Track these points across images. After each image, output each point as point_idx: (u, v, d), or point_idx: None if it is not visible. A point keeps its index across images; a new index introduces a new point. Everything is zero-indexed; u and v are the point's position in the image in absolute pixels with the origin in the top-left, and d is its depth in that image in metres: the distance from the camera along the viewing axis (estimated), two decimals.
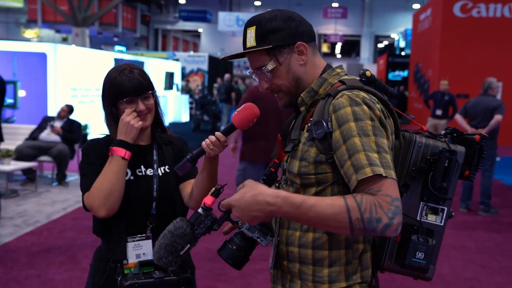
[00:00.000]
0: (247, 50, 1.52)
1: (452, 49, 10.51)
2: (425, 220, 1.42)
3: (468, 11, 10.53)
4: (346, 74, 1.53)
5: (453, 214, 1.45)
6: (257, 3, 33.67)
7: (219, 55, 30.23)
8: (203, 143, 1.68)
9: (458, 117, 6.77)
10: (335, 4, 29.91)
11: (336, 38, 30.75)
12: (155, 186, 1.85)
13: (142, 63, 14.75)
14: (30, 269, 4.24)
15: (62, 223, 5.64)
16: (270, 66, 1.49)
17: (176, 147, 1.98)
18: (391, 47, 36.00)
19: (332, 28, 32.10)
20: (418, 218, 1.42)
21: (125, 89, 1.79)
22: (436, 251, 1.43)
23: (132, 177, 1.85)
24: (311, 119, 1.44)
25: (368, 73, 1.46)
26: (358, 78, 1.48)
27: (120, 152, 1.76)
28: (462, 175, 1.47)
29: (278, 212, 1.32)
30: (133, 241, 1.82)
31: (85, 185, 1.79)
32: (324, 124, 1.37)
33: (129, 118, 1.78)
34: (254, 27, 1.50)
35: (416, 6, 28.99)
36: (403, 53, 26.09)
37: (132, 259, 1.80)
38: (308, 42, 1.51)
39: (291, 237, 1.48)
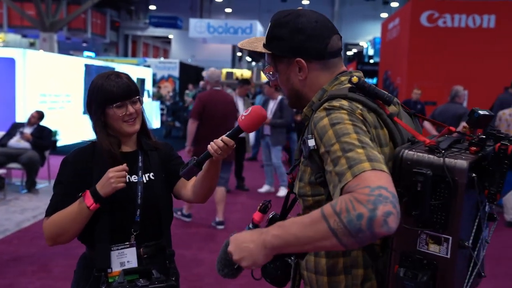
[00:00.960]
0: (259, 47, 1.49)
1: (420, 58, 10.75)
2: (425, 251, 1.21)
3: (435, 21, 10.80)
4: (350, 81, 1.34)
5: (466, 243, 1.20)
6: (228, 10, 33.73)
7: (190, 62, 30.14)
8: (209, 147, 1.70)
9: (427, 124, 6.95)
10: None
11: None
12: (139, 193, 1.85)
13: (113, 69, 14.61)
14: (2, 279, 4.15)
15: (33, 231, 5.53)
16: (270, 70, 1.49)
17: (163, 153, 1.98)
18: (360, 54, 36.47)
19: None
20: (417, 248, 1.22)
21: (113, 94, 1.79)
22: None
23: None
24: None
25: (354, 79, 1.31)
26: (348, 86, 1.35)
27: (88, 201, 1.74)
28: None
29: (267, 240, 1.19)
30: (117, 249, 1.81)
31: (49, 209, 1.81)
32: (307, 141, 1.27)
33: (112, 174, 1.74)
34: (269, 25, 1.46)
35: (384, 15, 29.54)
36: (372, 61, 26.47)
37: (116, 267, 1.79)
38: (314, 59, 1.40)
39: (303, 260, 1.45)
